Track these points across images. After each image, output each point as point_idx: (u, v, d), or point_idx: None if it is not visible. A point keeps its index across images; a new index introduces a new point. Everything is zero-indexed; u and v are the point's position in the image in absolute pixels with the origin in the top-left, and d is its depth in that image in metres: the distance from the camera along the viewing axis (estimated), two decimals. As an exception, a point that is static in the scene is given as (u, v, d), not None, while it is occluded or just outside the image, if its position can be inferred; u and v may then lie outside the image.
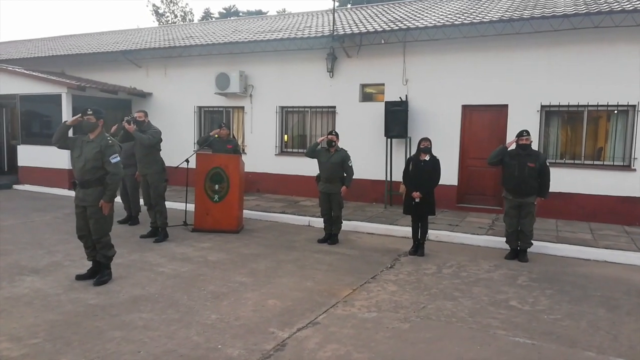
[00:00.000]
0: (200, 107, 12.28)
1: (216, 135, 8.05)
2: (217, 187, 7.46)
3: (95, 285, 4.88)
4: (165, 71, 12.64)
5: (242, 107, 11.68)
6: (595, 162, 8.68)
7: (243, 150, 11.53)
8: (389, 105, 9.50)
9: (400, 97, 9.71)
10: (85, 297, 4.57)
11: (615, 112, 8.56)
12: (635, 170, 8.25)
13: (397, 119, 9.42)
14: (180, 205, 9.03)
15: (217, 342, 3.66)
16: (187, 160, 7.85)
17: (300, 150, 10.92)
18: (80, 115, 4.99)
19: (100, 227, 4.94)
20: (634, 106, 8.24)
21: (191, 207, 7.89)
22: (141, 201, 7.79)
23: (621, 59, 8.21)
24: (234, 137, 11.75)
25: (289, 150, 11.37)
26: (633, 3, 8.00)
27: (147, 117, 7.19)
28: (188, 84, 12.26)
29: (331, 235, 7.07)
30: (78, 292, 4.71)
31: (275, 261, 5.99)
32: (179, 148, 11.16)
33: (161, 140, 7.17)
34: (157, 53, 12.45)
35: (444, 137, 9.41)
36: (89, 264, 5.21)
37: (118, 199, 7.50)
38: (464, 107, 9.47)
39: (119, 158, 4.94)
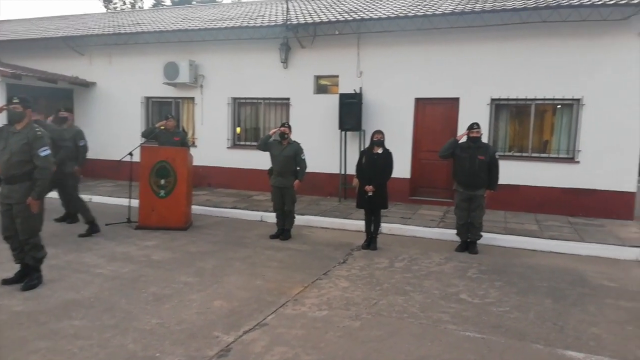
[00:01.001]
0: (147, 98, 11.74)
1: (162, 127, 7.67)
2: (163, 181, 7.10)
3: (23, 290, 4.48)
4: (110, 60, 11.99)
5: (192, 98, 11.26)
6: (542, 155, 8.91)
7: (193, 143, 11.18)
8: (344, 98, 9.40)
9: (354, 90, 9.61)
10: (11, 303, 4.18)
11: (560, 106, 8.80)
12: (578, 162, 8.52)
13: (351, 111, 9.33)
14: (123, 201, 8.57)
15: (155, 349, 3.41)
16: (130, 154, 7.43)
17: (254, 143, 10.62)
18: (5, 104, 4.55)
19: (29, 227, 4.54)
20: (578, 100, 8.49)
21: (135, 203, 7.48)
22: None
23: (567, 54, 8.43)
24: (184, 129, 11.38)
25: (241, 143, 11.09)
26: (578, -1, 8.21)
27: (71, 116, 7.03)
28: (135, 74, 11.68)
29: (284, 231, 6.91)
30: (3, 298, 4.30)
31: (224, 259, 5.75)
32: (125, 141, 10.62)
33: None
34: (102, 40, 11.77)
35: (397, 130, 9.40)
36: (17, 267, 4.78)
37: (54, 195, 7.02)
38: (417, 100, 9.48)
39: (49, 151, 4.53)
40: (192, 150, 10.14)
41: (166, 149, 7.30)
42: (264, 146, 6.85)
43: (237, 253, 6.04)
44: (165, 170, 7.10)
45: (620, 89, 8.17)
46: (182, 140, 7.74)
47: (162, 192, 7.10)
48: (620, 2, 7.70)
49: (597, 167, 8.41)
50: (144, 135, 7.71)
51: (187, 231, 7.13)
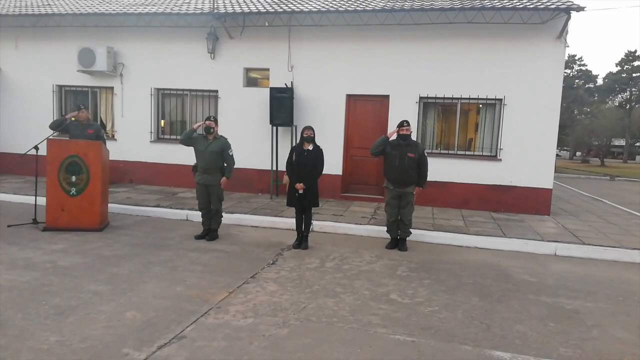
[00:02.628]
0: (60, 87, 10.75)
1: (73, 119, 6.97)
2: (74, 178, 6.44)
3: None
4: (16, 43, 10.83)
5: (112, 88, 10.49)
6: (467, 153, 9.16)
7: (113, 136, 10.47)
8: (274, 92, 9.14)
9: (285, 84, 9.38)
10: None
11: (481, 105, 9.09)
12: (500, 160, 8.85)
13: (282, 106, 9.11)
14: (29, 200, 7.73)
15: (51, 374, 2.96)
16: (36, 147, 6.67)
17: (179, 137, 10.08)
18: None
19: None
20: (501, 100, 8.80)
21: (44, 201, 6.74)
22: None
23: (491, 55, 8.70)
24: (102, 122, 10.58)
25: (165, 137, 10.53)
26: (502, 2, 8.47)
27: None
28: (45, 59, 10.65)
29: (210, 231, 6.57)
30: None
31: (142, 263, 5.29)
32: (34, 133, 9.66)
33: None
34: (5, 21, 10.60)
35: (329, 126, 9.30)
36: None
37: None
38: (349, 96, 9.42)
39: None
40: (112, 145, 9.44)
41: (77, 142, 6.62)
42: (187, 141, 6.44)
43: (158, 256, 5.60)
44: (76, 166, 6.44)
45: (538, 89, 8.56)
46: (97, 133, 7.11)
47: (74, 190, 6.44)
48: (539, 7, 8.03)
49: (517, 164, 8.77)
50: (52, 127, 6.95)
51: (102, 232, 6.55)
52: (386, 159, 6.35)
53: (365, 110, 9.48)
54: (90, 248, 5.77)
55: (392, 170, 6.25)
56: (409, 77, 9.02)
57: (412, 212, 6.40)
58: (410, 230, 6.48)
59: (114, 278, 4.75)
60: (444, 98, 9.02)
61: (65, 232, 6.36)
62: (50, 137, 6.71)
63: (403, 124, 6.24)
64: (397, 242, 6.46)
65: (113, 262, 5.28)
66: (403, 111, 8.85)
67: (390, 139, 6.35)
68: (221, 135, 6.57)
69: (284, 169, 6.44)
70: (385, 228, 6.64)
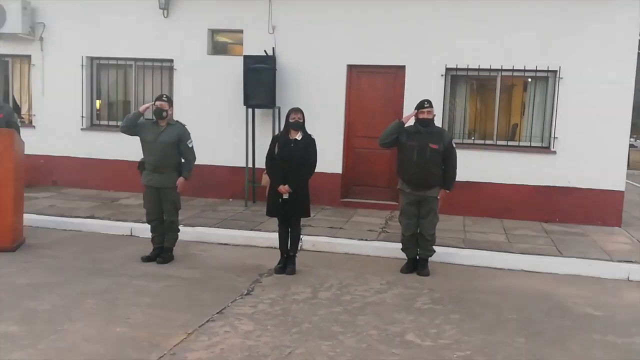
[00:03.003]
0: (-44, 55, 10.77)
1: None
2: (-24, 180, 6.44)
3: None
4: None
5: (28, 57, 10.60)
6: (510, 143, 9.26)
7: (30, 122, 10.58)
8: (250, 62, 9.20)
9: (265, 51, 9.43)
10: None
11: (530, 79, 9.17)
12: (555, 153, 8.94)
13: (260, 81, 9.17)
14: None
15: None
16: None
17: (121, 124, 10.10)
18: None
19: None
20: (555, 72, 8.86)
21: None
22: None
23: (542, 11, 8.74)
24: (15, 102, 10.57)
25: (102, 123, 10.65)
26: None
27: None
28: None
29: (162, 250, 6.61)
30: None
31: (70, 295, 5.30)
32: None
33: None
34: None
35: (324, 108, 9.35)
36: None
37: None
38: (351, 67, 9.47)
39: None
40: (29, 134, 9.43)
41: (-20, 131, 6.64)
42: (131, 128, 6.46)
43: (91, 285, 5.62)
44: (-21, 164, 6.44)
45: (607, 59, 8.61)
46: (8, 119, 7.23)
47: (-24, 196, 6.44)
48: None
49: (577, 158, 8.86)
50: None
51: (15, 253, 6.58)
52: (401, 152, 6.36)
53: (372, 87, 9.50)
54: (-1, 275, 5.78)
55: (408, 167, 6.27)
56: (432, 40, 9.07)
57: (435, 224, 6.41)
58: (434, 247, 6.50)
59: (31, 315, 4.75)
60: (479, 69, 9.06)
61: (-36, 253, 6.38)
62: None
63: (424, 105, 6.25)
64: (416, 263, 6.48)
65: (30, 293, 5.28)
66: (424, 87, 8.87)
67: (406, 125, 6.36)
68: (177, 121, 6.57)
69: (264, 166, 6.44)
70: (399, 245, 6.65)
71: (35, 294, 5.28)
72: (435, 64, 9.09)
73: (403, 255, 6.62)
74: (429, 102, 6.30)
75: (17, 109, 10.52)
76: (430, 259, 6.50)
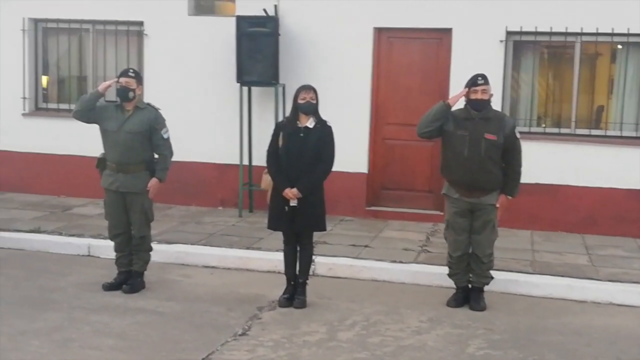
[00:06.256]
0: None
1: None
2: None
3: None
4: None
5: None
6: (594, 132, 9.18)
7: None
8: (245, 24, 9.25)
9: (265, 10, 9.41)
10: None
11: (620, 47, 9.10)
12: (655, 144, 8.87)
13: (259, 50, 9.23)
14: None
15: None
16: None
17: (74, 107, 10.20)
18: None
19: None
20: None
21: None
22: None
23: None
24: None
25: (51, 106, 10.77)
26: None
27: None
28: None
29: (130, 275, 6.64)
30: None
31: (8, 335, 5.33)
32: None
33: None
34: None
35: (343, 85, 9.35)
36: None
37: None
38: (379, 31, 9.48)
39: None
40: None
41: None
42: (87, 113, 6.51)
43: (36, 321, 5.67)
44: None
45: None
46: None
47: None
48: None
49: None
50: None
51: None
52: (447, 145, 6.35)
53: (408, 57, 9.50)
54: None
55: (457, 164, 6.25)
56: (486, -3, 9.06)
57: (493, 241, 6.40)
58: (491, 273, 6.47)
59: (-44, 362, 4.79)
60: (550, 33, 9.01)
61: None
62: None
63: (477, 82, 6.21)
64: (468, 294, 6.46)
65: (-45, 332, 5.33)
66: (477, 58, 8.80)
67: (453, 109, 6.34)
68: (148, 104, 6.62)
69: (264, 164, 6.45)
70: (445, 269, 6.63)
71: (-38, 332, 5.35)
72: (492, 26, 9.04)
73: (450, 283, 6.60)
74: (483, 77, 6.25)
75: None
76: (486, 288, 6.47)
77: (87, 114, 6.49)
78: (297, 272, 6.36)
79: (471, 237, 6.35)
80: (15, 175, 10.51)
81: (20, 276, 6.89)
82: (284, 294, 6.38)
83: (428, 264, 7.30)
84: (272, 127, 6.67)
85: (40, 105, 10.67)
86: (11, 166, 10.50)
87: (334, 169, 6.32)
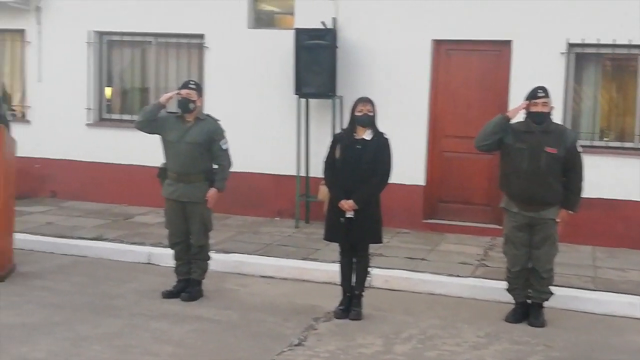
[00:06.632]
0: None
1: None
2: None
3: None
4: None
5: (21, 32, 10.98)
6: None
7: (23, 115, 10.95)
8: (303, 37, 9.30)
9: (323, 23, 9.48)
10: None
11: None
12: None
13: (317, 62, 9.27)
14: None
15: None
16: None
17: (136, 118, 10.37)
18: None
19: None
20: None
21: None
22: None
23: None
24: (4, 90, 10.94)
25: (114, 117, 10.95)
26: None
27: None
28: None
29: (188, 284, 6.71)
30: None
31: (71, 339, 5.44)
32: None
33: None
34: None
35: (400, 97, 9.37)
36: None
37: None
38: (437, 43, 9.48)
39: None
40: (23, 130, 9.76)
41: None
42: (149, 124, 6.62)
43: (98, 327, 5.76)
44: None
45: None
46: None
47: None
48: None
49: None
50: None
51: (3, 284, 6.81)
52: (506, 158, 6.32)
53: (466, 69, 9.48)
54: (-18, 312, 6.01)
55: (516, 178, 6.20)
56: (548, 6, 8.95)
57: (554, 256, 6.32)
58: (551, 288, 6.39)
59: (21, 365, 4.91)
60: (613, 45, 8.88)
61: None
62: None
63: (537, 94, 6.18)
64: (527, 310, 6.39)
65: (21, 336, 5.44)
66: (537, 70, 8.72)
67: (513, 121, 6.31)
68: (208, 116, 6.68)
69: (321, 175, 6.48)
70: (504, 284, 6.59)
71: (28, 337, 5.43)
72: (552, 38, 8.95)
73: (509, 298, 6.53)
74: (544, 90, 6.21)
75: (5, 99, 10.62)
76: (546, 303, 6.38)
77: (149, 125, 6.60)
78: (353, 284, 6.37)
79: (531, 251, 6.28)
80: (80, 184, 10.71)
81: (84, 283, 7.02)
82: (339, 305, 6.38)
83: (486, 278, 7.26)
84: (329, 138, 6.71)
85: (104, 116, 10.85)
86: (75, 175, 10.70)
87: (390, 181, 6.31)
